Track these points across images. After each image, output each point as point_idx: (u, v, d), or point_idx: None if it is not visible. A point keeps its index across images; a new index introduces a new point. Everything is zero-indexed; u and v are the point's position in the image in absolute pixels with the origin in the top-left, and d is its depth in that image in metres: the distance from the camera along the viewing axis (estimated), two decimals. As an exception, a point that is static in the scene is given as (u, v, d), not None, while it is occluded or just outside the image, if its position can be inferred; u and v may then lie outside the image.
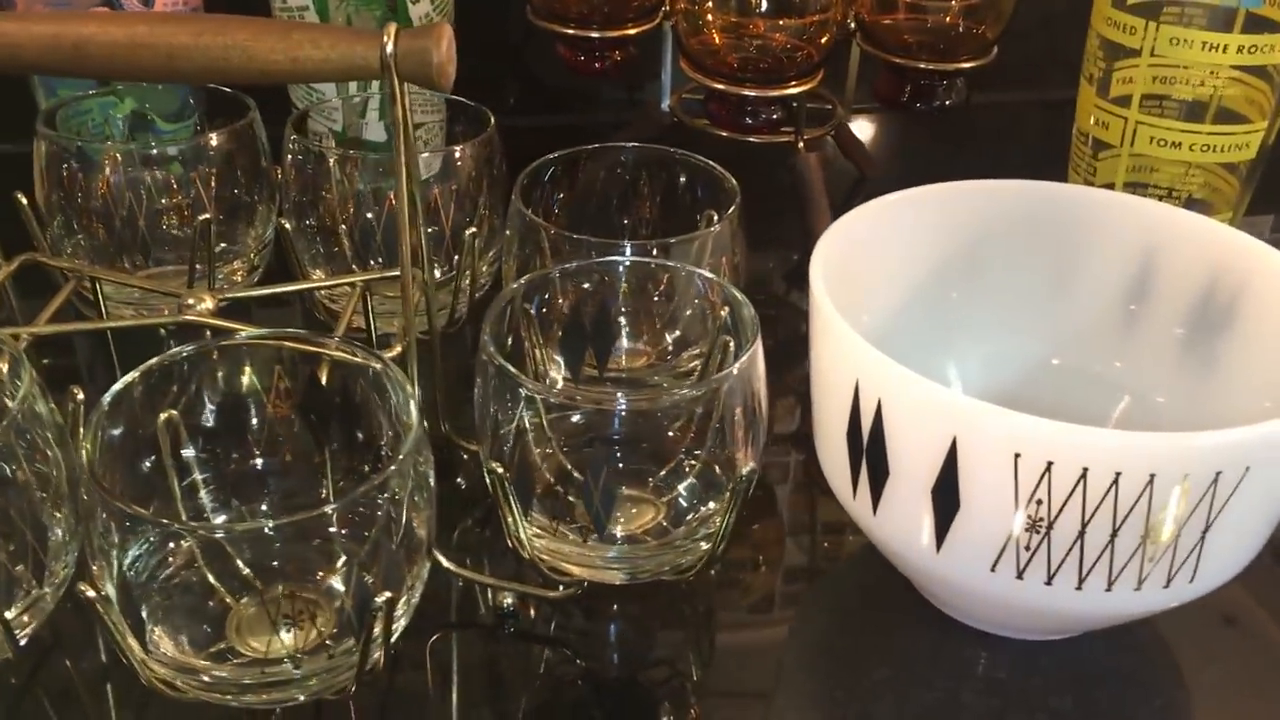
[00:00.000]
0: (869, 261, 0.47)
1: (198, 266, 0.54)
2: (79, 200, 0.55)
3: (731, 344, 0.46)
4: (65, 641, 0.42)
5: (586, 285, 0.49)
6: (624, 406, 0.40)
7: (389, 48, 0.41)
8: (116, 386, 0.38)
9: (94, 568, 0.37)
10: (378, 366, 0.42)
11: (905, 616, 0.45)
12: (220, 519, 0.42)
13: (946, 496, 0.38)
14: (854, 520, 0.43)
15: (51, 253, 0.54)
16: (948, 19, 0.69)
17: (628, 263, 0.48)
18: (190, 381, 0.41)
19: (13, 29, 0.42)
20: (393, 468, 0.36)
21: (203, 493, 0.42)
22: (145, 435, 0.40)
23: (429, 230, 0.56)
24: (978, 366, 0.50)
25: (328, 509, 0.36)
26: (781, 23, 0.66)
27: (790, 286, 0.68)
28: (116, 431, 0.38)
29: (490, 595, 0.45)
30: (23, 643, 0.39)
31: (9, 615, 0.37)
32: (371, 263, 0.56)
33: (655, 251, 0.48)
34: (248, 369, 0.42)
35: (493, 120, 0.56)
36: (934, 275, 0.49)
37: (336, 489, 0.43)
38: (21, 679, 0.41)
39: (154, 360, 0.39)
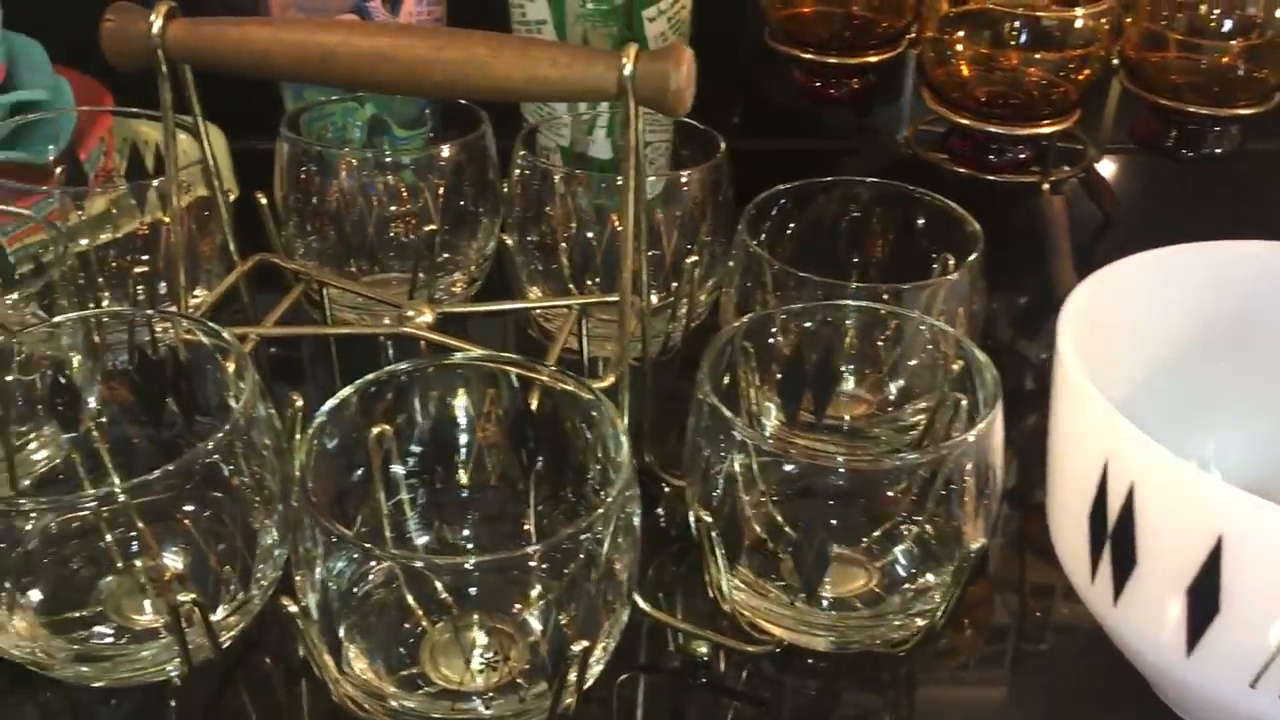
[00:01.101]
0: (1123, 323, 0.43)
1: (420, 276, 0.54)
2: (314, 202, 0.56)
3: (964, 402, 0.42)
4: (267, 639, 0.42)
5: (808, 324, 0.46)
6: (844, 467, 0.37)
7: (627, 69, 0.40)
8: (332, 402, 0.38)
9: (297, 577, 0.36)
10: (589, 397, 0.41)
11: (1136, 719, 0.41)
12: (423, 539, 0.42)
13: (1204, 598, 0.34)
14: (1087, 605, 0.39)
15: (285, 252, 0.56)
16: (1225, 60, 0.63)
17: (858, 308, 0.45)
18: (404, 398, 0.40)
19: (264, 35, 0.42)
20: (600, 511, 0.34)
21: (408, 509, 0.42)
22: (357, 448, 0.40)
23: (648, 254, 0.55)
24: (1242, 449, 0.45)
25: (529, 550, 0.34)
26: (1038, 56, 0.62)
27: (1018, 333, 0.64)
28: (330, 444, 0.38)
29: (682, 640, 0.43)
30: (225, 644, 0.39)
31: (215, 617, 0.37)
32: (589, 283, 0.55)
33: (886, 297, 0.45)
34: (461, 390, 0.41)
35: (723, 146, 0.54)
36: (1197, 344, 0.45)
37: (539, 516, 0.42)
38: (225, 669, 0.41)
39: (370, 376, 0.39)
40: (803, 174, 0.54)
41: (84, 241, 0.53)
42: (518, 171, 0.55)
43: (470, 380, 0.41)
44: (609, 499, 0.35)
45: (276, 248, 0.55)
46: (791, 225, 0.52)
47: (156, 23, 0.43)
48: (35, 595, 0.40)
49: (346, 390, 0.38)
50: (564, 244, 0.55)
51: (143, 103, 0.75)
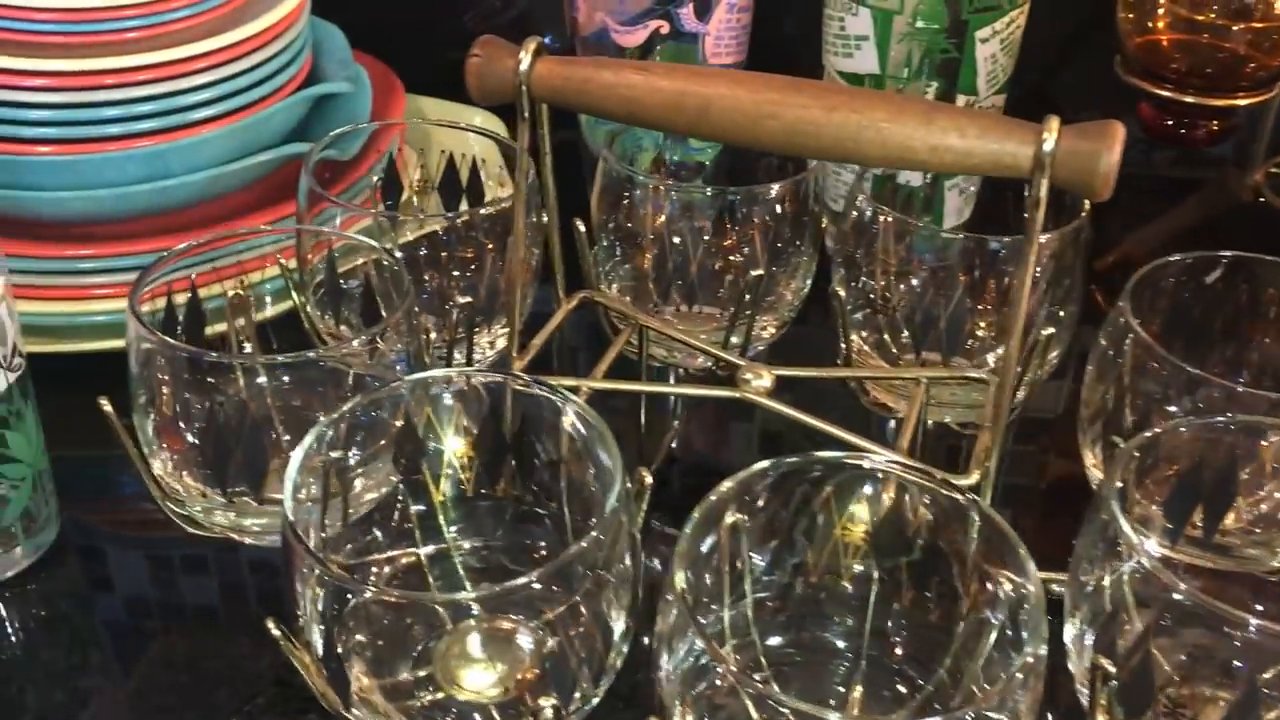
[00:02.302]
0: None
1: (736, 318, 0.51)
2: (629, 228, 0.54)
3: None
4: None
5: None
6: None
7: (1048, 145, 0.36)
8: (709, 500, 0.35)
9: (662, 667, 0.34)
10: (960, 499, 0.37)
11: None
12: (774, 639, 0.39)
13: None
14: None
15: (594, 274, 0.53)
16: None
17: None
18: (766, 490, 0.37)
19: (638, 82, 0.39)
20: (1015, 677, 0.30)
21: (756, 606, 0.39)
22: (717, 541, 0.37)
23: (991, 318, 0.50)
24: None
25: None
26: None
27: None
28: (703, 543, 0.35)
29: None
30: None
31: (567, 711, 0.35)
32: (920, 338, 0.51)
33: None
34: (823, 485, 0.38)
35: (1087, 205, 0.49)
36: None
37: (901, 623, 0.38)
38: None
39: (745, 475, 0.36)
40: (1121, 212, 0.48)
41: (392, 248, 0.52)
42: (855, 214, 0.51)
43: (826, 473, 0.38)
44: (1016, 669, 0.31)
45: (592, 281, 0.52)
46: (1169, 300, 0.47)
47: (525, 60, 0.40)
48: (369, 654, 0.39)
49: (725, 485, 0.35)
50: (894, 295, 0.51)
51: (424, 89, 0.74)
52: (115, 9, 0.58)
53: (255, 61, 0.62)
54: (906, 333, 0.52)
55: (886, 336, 0.53)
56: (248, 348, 0.50)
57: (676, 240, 0.53)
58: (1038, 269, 0.49)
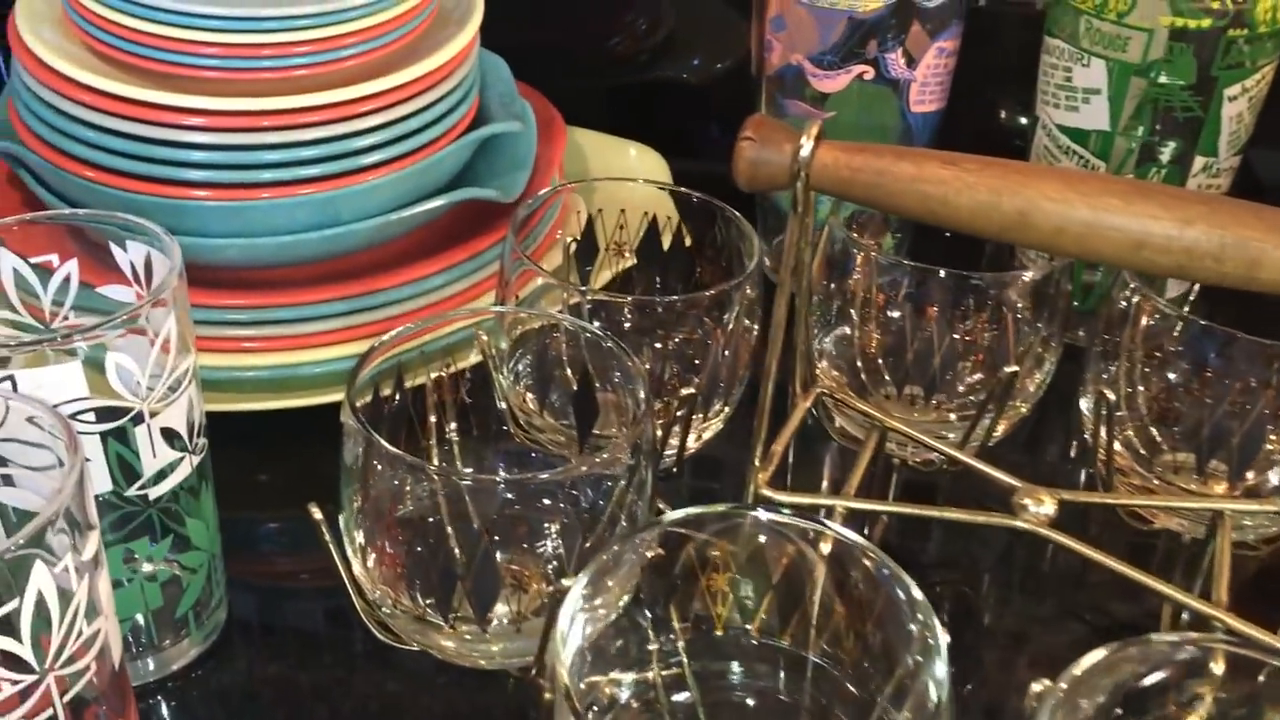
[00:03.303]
0: None
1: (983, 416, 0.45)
2: (850, 302, 0.49)
3: None
4: None
5: None
6: None
7: None
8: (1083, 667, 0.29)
9: None
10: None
11: None
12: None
13: None
14: None
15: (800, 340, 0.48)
16: None
17: None
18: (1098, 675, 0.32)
19: (948, 178, 0.34)
20: None
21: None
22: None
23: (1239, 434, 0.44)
24: None
25: None
26: None
27: None
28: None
29: None
30: None
31: None
32: (1204, 451, 0.45)
33: None
34: (1159, 672, 0.32)
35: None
36: None
37: None
38: None
39: (1092, 663, 0.30)
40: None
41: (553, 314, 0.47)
42: (1123, 303, 0.45)
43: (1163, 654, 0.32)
44: None
45: (812, 370, 0.47)
46: None
47: (806, 147, 0.35)
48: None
49: (1075, 673, 0.30)
50: (1142, 391, 0.46)
51: (574, 118, 0.69)
52: (284, 45, 0.54)
53: (428, 101, 0.57)
54: (1158, 434, 0.47)
55: (1137, 439, 0.47)
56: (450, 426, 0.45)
57: (909, 324, 0.48)
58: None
